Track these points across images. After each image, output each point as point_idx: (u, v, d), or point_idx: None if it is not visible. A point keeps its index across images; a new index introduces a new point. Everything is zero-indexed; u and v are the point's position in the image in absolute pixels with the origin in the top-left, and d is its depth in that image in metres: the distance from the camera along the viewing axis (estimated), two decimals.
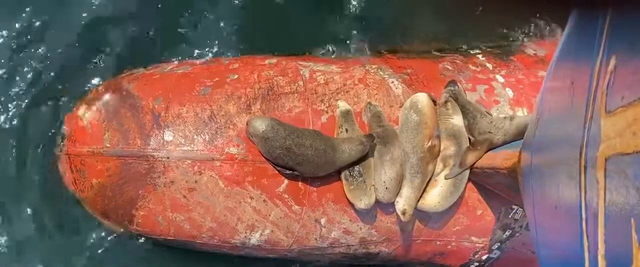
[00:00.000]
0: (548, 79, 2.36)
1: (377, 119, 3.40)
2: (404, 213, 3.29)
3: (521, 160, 2.76)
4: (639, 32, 1.21)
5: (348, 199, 3.33)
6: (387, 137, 3.33)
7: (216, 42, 4.07)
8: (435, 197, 3.36)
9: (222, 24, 4.12)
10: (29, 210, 3.68)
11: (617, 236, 1.23)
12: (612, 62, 1.35)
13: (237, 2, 4.16)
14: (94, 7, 3.91)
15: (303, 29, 4.27)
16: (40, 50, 3.81)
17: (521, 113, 3.67)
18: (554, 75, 2.21)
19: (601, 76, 1.40)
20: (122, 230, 3.49)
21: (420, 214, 3.49)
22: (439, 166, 3.38)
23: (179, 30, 4.04)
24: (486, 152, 3.31)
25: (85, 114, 3.38)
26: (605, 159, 1.28)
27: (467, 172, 3.37)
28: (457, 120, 3.40)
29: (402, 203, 3.29)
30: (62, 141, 3.39)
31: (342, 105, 3.40)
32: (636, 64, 1.21)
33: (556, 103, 2.08)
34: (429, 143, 3.33)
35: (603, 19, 1.51)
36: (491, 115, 3.48)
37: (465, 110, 3.42)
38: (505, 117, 3.40)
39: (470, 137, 3.39)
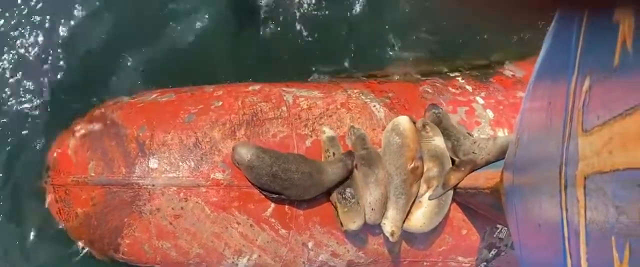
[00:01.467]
0: (526, 100, 2.40)
1: (361, 141, 3.43)
2: (392, 234, 3.31)
3: (503, 180, 2.79)
4: (610, 52, 1.23)
5: (340, 221, 3.34)
6: (371, 159, 3.36)
7: (198, 71, 4.09)
8: (420, 218, 3.38)
9: (204, 54, 4.15)
10: (14, 241, 3.63)
11: (599, 254, 1.24)
12: (587, 82, 1.37)
13: (218, 32, 4.19)
14: (76, 38, 3.92)
15: (284, 57, 4.31)
16: (23, 81, 3.80)
17: (502, 134, 3.72)
18: (532, 95, 2.25)
19: (577, 96, 1.42)
20: (108, 258, 3.46)
21: (406, 235, 3.51)
22: (423, 187, 3.41)
23: (163, 59, 4.05)
24: (470, 173, 3.35)
25: (70, 143, 3.37)
26: (584, 178, 1.29)
27: (451, 192, 3.40)
28: (439, 141, 3.44)
29: (388, 225, 3.31)
30: (46, 172, 3.38)
31: (327, 131, 3.44)
32: (610, 84, 1.23)
33: (535, 123, 2.11)
34: (412, 164, 3.36)
35: (577, 39, 1.55)
36: (473, 136, 3.53)
37: (448, 133, 3.47)
38: (488, 138, 3.45)
39: (455, 158, 3.43)
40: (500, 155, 3.25)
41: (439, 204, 3.39)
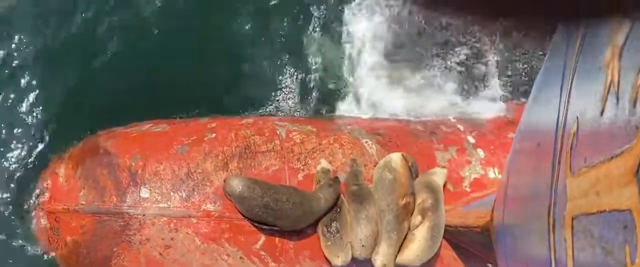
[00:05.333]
0: (517, 141, 2.44)
1: (354, 177, 3.44)
2: None
3: (493, 218, 2.81)
4: (597, 96, 1.26)
5: (325, 256, 3.33)
6: (362, 195, 3.37)
7: (194, 102, 4.13)
8: (413, 251, 3.37)
9: (199, 86, 4.20)
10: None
11: None
12: (575, 125, 1.40)
13: (211, 64, 4.26)
14: (72, 67, 3.95)
15: (275, 92, 4.38)
16: (16, 108, 3.82)
17: (492, 173, 3.74)
18: (521, 137, 2.28)
19: (565, 139, 1.46)
20: None
21: None
22: (417, 218, 3.40)
23: (158, 90, 4.09)
24: None
25: (62, 171, 3.37)
26: (572, 218, 1.31)
27: (443, 227, 3.40)
28: (438, 177, 3.48)
29: (380, 260, 3.30)
30: (36, 198, 3.36)
31: (324, 162, 3.46)
32: (597, 127, 1.26)
33: (525, 164, 2.14)
34: (404, 201, 3.37)
35: (565, 84, 1.58)
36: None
37: None
38: None
39: None
40: None
41: (432, 237, 3.39)
